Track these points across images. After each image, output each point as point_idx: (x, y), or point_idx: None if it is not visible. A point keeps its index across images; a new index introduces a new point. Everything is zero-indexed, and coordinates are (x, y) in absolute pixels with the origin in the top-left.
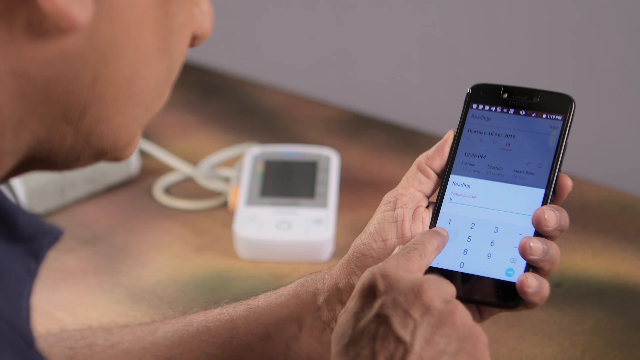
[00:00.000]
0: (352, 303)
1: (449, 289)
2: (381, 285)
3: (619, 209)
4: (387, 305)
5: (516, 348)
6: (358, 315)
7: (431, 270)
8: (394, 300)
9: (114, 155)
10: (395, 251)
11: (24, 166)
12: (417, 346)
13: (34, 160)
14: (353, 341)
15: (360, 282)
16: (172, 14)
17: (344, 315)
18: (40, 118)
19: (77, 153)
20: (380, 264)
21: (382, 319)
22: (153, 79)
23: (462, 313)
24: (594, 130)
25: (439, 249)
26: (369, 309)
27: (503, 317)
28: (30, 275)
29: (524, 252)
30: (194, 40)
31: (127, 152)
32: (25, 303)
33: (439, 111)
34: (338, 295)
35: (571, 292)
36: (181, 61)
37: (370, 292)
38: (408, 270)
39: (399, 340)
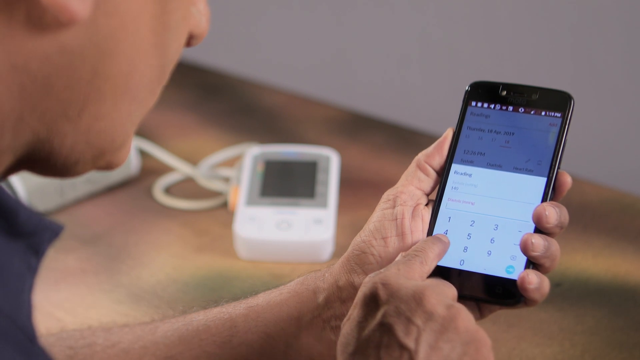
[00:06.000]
0: (354, 312)
1: (450, 292)
2: (382, 293)
3: (619, 209)
4: (390, 313)
5: (516, 348)
6: (361, 324)
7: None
8: (396, 308)
9: (110, 156)
10: (397, 258)
11: (20, 164)
12: (422, 353)
13: (33, 161)
14: (358, 350)
15: (361, 291)
16: (169, 11)
17: (348, 324)
18: (41, 115)
19: (76, 155)
20: (381, 271)
21: (385, 328)
22: (147, 74)
23: (465, 317)
24: (594, 130)
25: (440, 256)
26: (372, 318)
27: (503, 317)
28: (31, 271)
29: (525, 248)
30: (191, 40)
31: (122, 154)
32: (26, 299)
33: (438, 111)
34: (338, 293)
35: (571, 292)
36: (176, 59)
37: (372, 301)
38: (409, 277)
39: (403, 347)
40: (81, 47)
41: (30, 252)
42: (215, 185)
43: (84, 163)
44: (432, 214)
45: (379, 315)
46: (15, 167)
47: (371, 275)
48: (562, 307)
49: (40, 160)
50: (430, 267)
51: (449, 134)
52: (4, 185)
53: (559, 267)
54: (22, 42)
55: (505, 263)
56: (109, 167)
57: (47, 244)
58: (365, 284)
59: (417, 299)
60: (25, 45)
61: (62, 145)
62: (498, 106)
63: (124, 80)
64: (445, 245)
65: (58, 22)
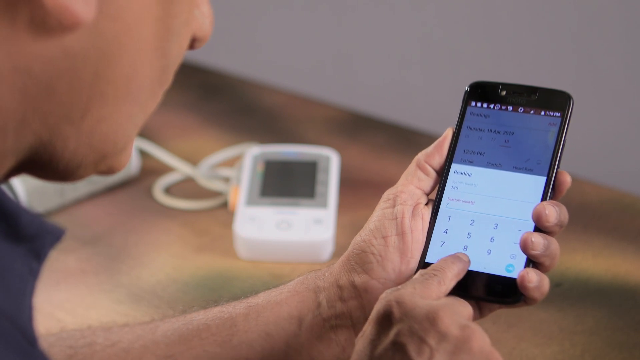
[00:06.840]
0: (368, 329)
1: (466, 311)
2: (397, 312)
3: (619, 209)
4: (403, 333)
5: (516, 348)
6: (374, 342)
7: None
8: (409, 328)
9: (112, 160)
10: (415, 276)
11: (22, 167)
12: None
13: (34, 165)
14: None
15: (375, 309)
16: (173, 14)
17: (361, 340)
18: (43, 118)
19: (79, 159)
20: (398, 288)
21: (398, 347)
22: (148, 76)
23: (480, 338)
24: (594, 130)
25: (459, 276)
26: (385, 336)
27: (503, 317)
28: (32, 275)
29: (525, 247)
30: (194, 43)
31: (123, 158)
32: (27, 302)
33: (439, 111)
34: (338, 292)
35: (571, 292)
36: (178, 62)
37: (386, 319)
38: (425, 297)
39: None
40: (84, 51)
41: (32, 256)
42: (215, 185)
43: (85, 167)
44: (432, 213)
45: (392, 334)
46: (16, 170)
47: (388, 291)
48: (562, 307)
49: (42, 163)
50: (448, 287)
51: (448, 133)
52: (3, 185)
53: (558, 267)
54: (25, 45)
55: (505, 262)
56: (110, 171)
57: (49, 248)
58: (381, 300)
59: (431, 319)
60: (28, 48)
61: (64, 149)
62: (497, 106)
63: (125, 82)
64: (465, 265)
65: (62, 26)
